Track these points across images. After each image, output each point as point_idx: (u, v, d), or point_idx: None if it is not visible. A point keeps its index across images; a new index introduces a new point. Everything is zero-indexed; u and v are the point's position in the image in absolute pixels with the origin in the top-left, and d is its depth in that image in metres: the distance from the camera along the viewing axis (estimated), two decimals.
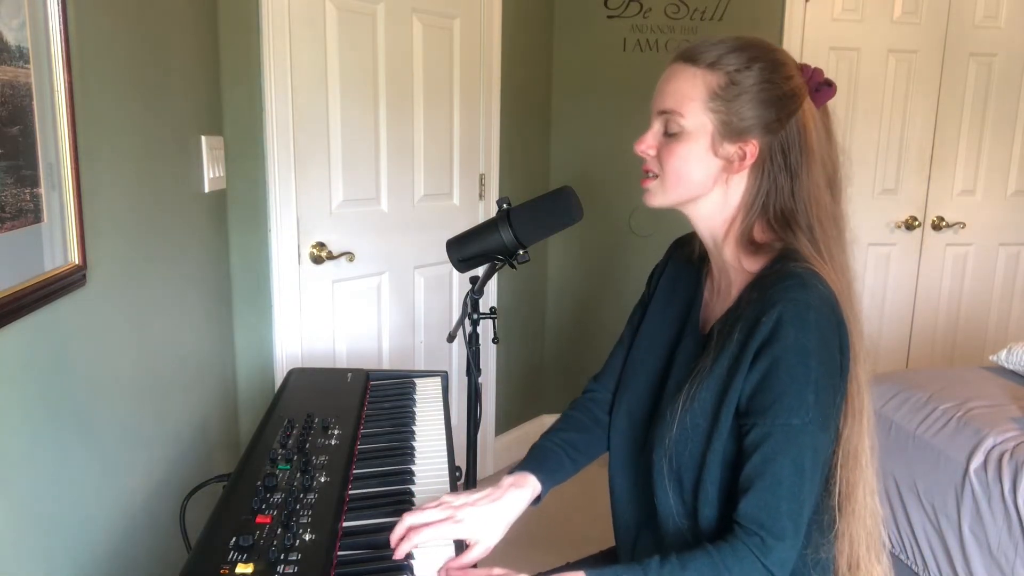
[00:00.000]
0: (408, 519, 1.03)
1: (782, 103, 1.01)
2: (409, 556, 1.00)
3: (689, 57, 1.04)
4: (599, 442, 1.28)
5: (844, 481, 1.03)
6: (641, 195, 1.14)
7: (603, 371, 1.32)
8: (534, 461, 1.20)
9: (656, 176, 1.08)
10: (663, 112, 1.05)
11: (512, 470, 1.19)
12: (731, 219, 1.07)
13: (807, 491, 0.95)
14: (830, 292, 0.98)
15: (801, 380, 0.94)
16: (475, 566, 1.03)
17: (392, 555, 0.99)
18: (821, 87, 1.04)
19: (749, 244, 1.05)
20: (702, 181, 1.05)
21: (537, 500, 1.17)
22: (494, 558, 1.06)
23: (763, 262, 1.04)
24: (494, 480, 1.14)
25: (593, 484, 2.92)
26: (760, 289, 0.99)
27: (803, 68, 1.04)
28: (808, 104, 1.03)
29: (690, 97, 1.02)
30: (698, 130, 1.03)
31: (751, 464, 0.95)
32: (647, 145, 1.08)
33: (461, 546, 1.05)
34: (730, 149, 1.02)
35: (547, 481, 1.18)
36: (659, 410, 1.09)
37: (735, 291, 1.06)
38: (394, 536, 1.02)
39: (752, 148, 1.02)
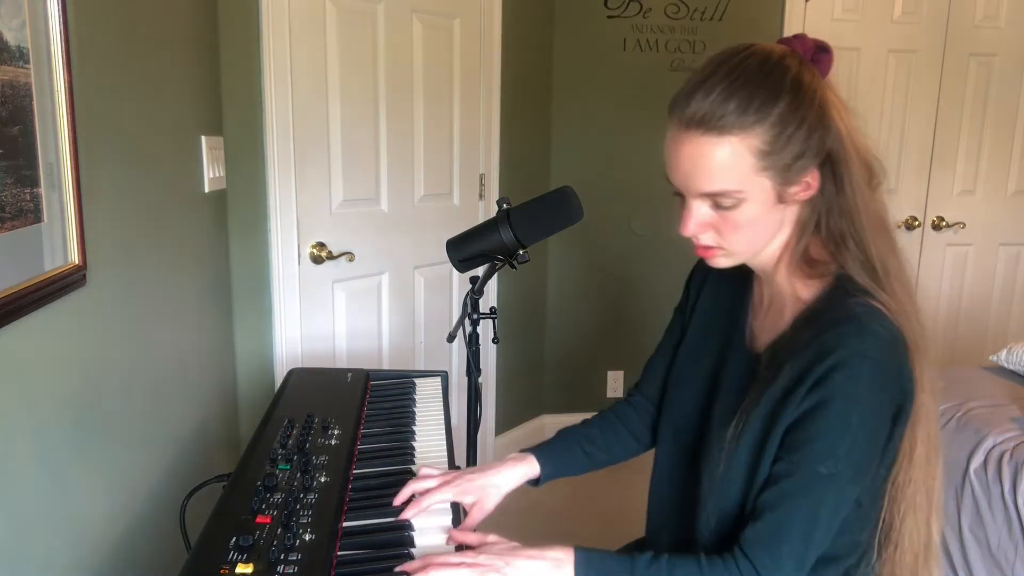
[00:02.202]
0: (412, 484, 1.12)
1: (818, 118, 0.92)
2: (410, 544, 1.00)
3: (707, 125, 0.90)
4: (623, 445, 1.28)
5: (889, 514, 1.00)
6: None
7: (643, 379, 1.30)
8: (543, 446, 1.24)
9: (720, 248, 0.98)
10: (708, 195, 0.94)
11: (522, 449, 1.24)
12: (784, 244, 1.00)
13: (817, 538, 0.92)
14: (891, 331, 0.92)
15: (838, 430, 0.90)
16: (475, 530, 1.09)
17: (398, 513, 1.09)
18: (817, 56, 0.96)
19: (804, 265, 1.00)
20: (775, 230, 0.98)
21: (537, 482, 1.22)
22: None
23: (817, 288, 0.99)
24: None
25: (593, 484, 2.92)
26: (816, 329, 0.93)
27: (791, 45, 0.96)
28: (833, 104, 0.95)
29: (739, 171, 0.91)
30: (757, 192, 0.93)
31: (768, 494, 0.93)
32: (699, 228, 0.97)
33: (458, 513, 1.11)
34: (794, 190, 0.94)
35: (548, 465, 1.21)
36: (706, 440, 1.05)
37: (788, 315, 1.01)
38: (399, 497, 1.11)
39: (813, 176, 0.94)
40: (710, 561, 0.94)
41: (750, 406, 0.98)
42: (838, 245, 0.97)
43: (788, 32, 3.18)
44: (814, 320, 0.95)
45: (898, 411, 0.95)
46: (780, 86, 0.90)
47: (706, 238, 0.98)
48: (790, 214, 0.98)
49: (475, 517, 1.13)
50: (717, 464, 0.99)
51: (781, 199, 0.94)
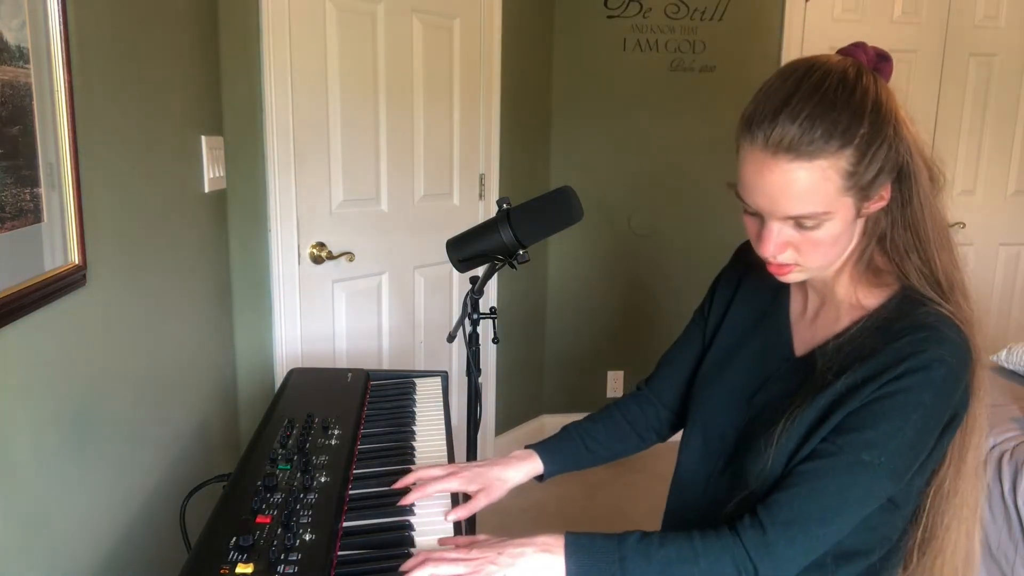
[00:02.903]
0: (416, 472, 1.15)
1: (895, 133, 0.93)
2: (410, 544, 1.00)
3: (797, 151, 0.89)
4: (626, 442, 1.29)
5: (932, 522, 1.01)
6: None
7: (655, 378, 1.30)
8: (547, 442, 1.25)
9: (797, 265, 0.98)
10: (793, 217, 0.93)
11: (527, 445, 1.25)
12: (848, 255, 1.00)
13: (837, 525, 0.92)
14: (964, 339, 0.94)
15: (895, 424, 0.90)
16: (472, 517, 1.12)
17: (398, 503, 1.11)
18: (879, 64, 0.97)
19: (870, 274, 1.01)
20: (849, 244, 0.99)
21: (541, 478, 1.23)
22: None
23: (882, 297, 1.00)
24: None
25: (595, 485, 2.93)
26: (887, 336, 0.94)
27: (855, 55, 0.96)
28: (898, 109, 0.96)
29: (824, 193, 0.90)
30: (841, 211, 0.93)
31: (804, 467, 0.93)
32: (779, 249, 0.96)
33: (457, 504, 1.13)
34: (870, 205, 0.95)
35: (551, 463, 1.22)
36: (749, 437, 1.04)
37: (845, 320, 1.01)
38: (402, 482, 1.14)
39: (886, 190, 0.95)
40: (703, 535, 0.94)
41: (803, 404, 0.97)
42: (902, 257, 0.98)
43: (788, 32, 3.18)
44: (885, 328, 0.95)
45: (951, 419, 0.96)
46: (863, 108, 0.90)
47: (784, 257, 0.97)
48: (859, 226, 0.98)
49: (480, 502, 1.14)
50: (766, 461, 0.98)
51: (859, 213, 0.95)
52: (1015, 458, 1.80)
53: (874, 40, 0.96)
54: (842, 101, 0.89)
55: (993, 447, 1.87)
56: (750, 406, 1.08)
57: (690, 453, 1.15)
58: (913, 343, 0.92)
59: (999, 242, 3.55)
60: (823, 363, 0.99)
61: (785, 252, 0.97)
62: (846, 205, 0.92)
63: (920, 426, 0.91)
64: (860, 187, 0.91)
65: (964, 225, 3.47)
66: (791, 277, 1.00)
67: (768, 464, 0.97)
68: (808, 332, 1.07)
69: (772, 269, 1.00)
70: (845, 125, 0.88)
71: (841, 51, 0.97)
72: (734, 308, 1.18)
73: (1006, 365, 2.32)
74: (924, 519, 1.01)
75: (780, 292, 1.12)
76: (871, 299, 1.00)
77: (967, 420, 0.97)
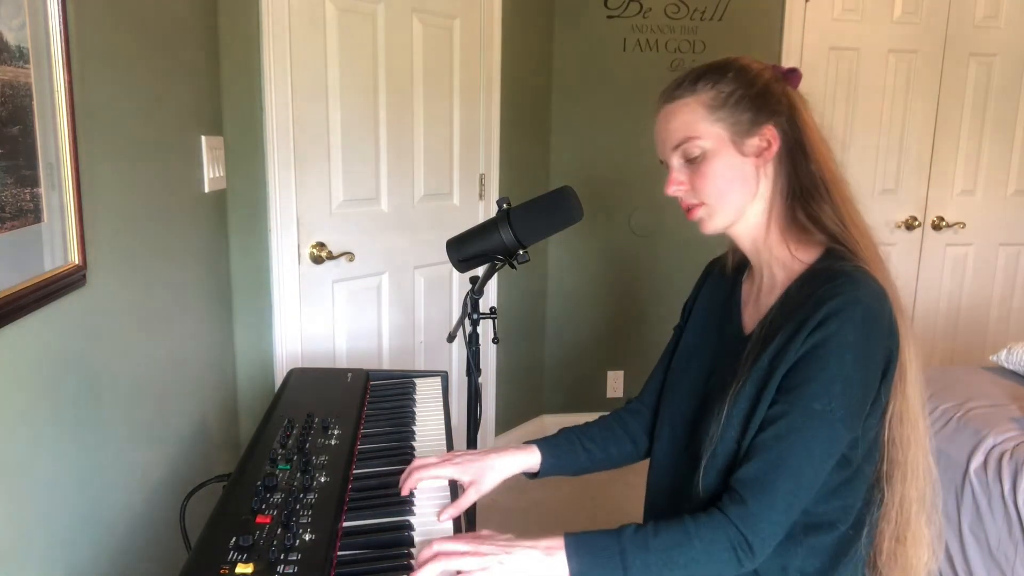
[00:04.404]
0: (415, 463, 1.16)
1: (770, 89, 1.07)
2: (409, 544, 1.00)
3: (669, 97, 1.10)
4: (620, 448, 1.31)
5: (891, 451, 1.06)
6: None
7: (643, 391, 1.35)
8: (546, 439, 1.27)
9: (701, 203, 1.09)
10: (676, 147, 1.09)
11: (526, 441, 1.27)
12: (768, 212, 1.10)
13: (809, 477, 0.97)
14: (880, 285, 1.01)
15: (833, 369, 0.96)
16: (472, 515, 1.13)
17: (399, 494, 1.14)
18: (787, 75, 1.11)
19: (795, 227, 1.09)
20: (745, 185, 1.08)
21: (536, 475, 1.25)
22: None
23: (813, 254, 1.08)
24: None
25: (593, 485, 2.93)
26: (810, 287, 1.02)
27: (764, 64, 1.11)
28: (790, 90, 1.10)
29: (693, 121, 1.07)
30: (716, 141, 1.06)
31: (764, 435, 0.98)
32: (676, 183, 1.10)
33: (456, 494, 1.15)
34: (753, 142, 1.06)
35: (549, 458, 1.24)
36: (705, 409, 1.11)
37: (780, 286, 1.09)
38: (402, 479, 1.15)
39: (771, 133, 1.06)
40: (694, 518, 0.98)
41: (748, 364, 1.04)
42: (818, 207, 1.07)
43: (788, 32, 3.19)
44: (807, 281, 1.04)
45: (888, 362, 1.01)
46: (728, 67, 1.09)
47: (687, 197, 1.10)
48: (765, 181, 1.09)
49: (470, 497, 1.15)
50: (717, 422, 1.04)
51: (741, 150, 1.06)
52: (1015, 458, 1.80)
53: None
54: (713, 65, 1.08)
55: (993, 447, 1.87)
56: (707, 387, 1.15)
57: (661, 443, 1.22)
58: (830, 289, 0.99)
59: (999, 242, 3.55)
60: (763, 325, 1.06)
61: (684, 188, 1.10)
62: (720, 136, 1.06)
63: (857, 365, 0.97)
64: (729, 122, 1.05)
65: (964, 225, 3.47)
66: (704, 224, 1.11)
67: (722, 424, 1.03)
68: (755, 310, 1.14)
69: (687, 215, 1.12)
70: (710, 76, 1.07)
71: None
72: (696, 312, 1.27)
73: (1006, 365, 2.32)
74: (882, 451, 1.06)
75: (735, 286, 1.20)
76: (805, 254, 1.09)
77: (901, 365, 1.03)
